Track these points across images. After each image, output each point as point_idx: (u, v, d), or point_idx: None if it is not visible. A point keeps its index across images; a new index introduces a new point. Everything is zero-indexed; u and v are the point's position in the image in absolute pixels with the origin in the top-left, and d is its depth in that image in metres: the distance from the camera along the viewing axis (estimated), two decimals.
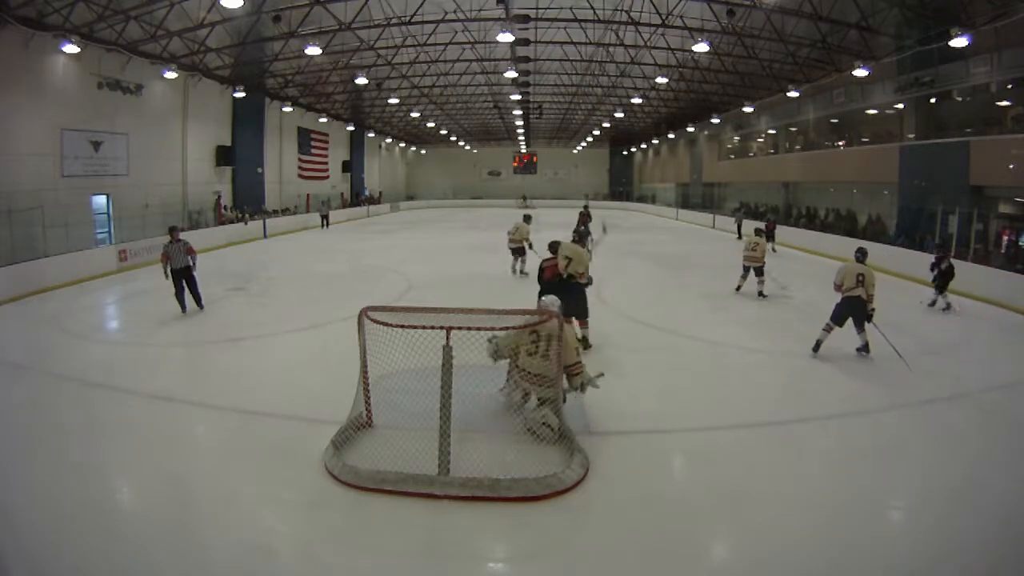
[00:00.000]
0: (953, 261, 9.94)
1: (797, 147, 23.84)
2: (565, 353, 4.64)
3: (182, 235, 9.46)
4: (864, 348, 6.96)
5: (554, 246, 7.23)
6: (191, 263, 9.05)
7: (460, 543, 3.52)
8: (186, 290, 9.09)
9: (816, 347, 7.01)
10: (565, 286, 6.63)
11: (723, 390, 5.94)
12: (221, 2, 12.68)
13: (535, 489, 3.85)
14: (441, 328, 4.13)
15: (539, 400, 4.83)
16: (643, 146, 43.46)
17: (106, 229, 15.87)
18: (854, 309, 6.79)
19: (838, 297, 6.93)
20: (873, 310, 6.77)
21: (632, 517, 3.71)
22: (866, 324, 6.82)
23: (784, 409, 5.44)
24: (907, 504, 4.01)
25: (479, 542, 3.57)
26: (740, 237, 19.46)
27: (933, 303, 9.92)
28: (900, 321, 9.14)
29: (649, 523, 3.65)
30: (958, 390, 6.02)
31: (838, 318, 6.88)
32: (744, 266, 10.64)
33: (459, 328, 4.18)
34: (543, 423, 4.58)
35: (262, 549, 3.39)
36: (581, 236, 8.66)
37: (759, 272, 10.49)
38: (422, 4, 15.69)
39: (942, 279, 9.74)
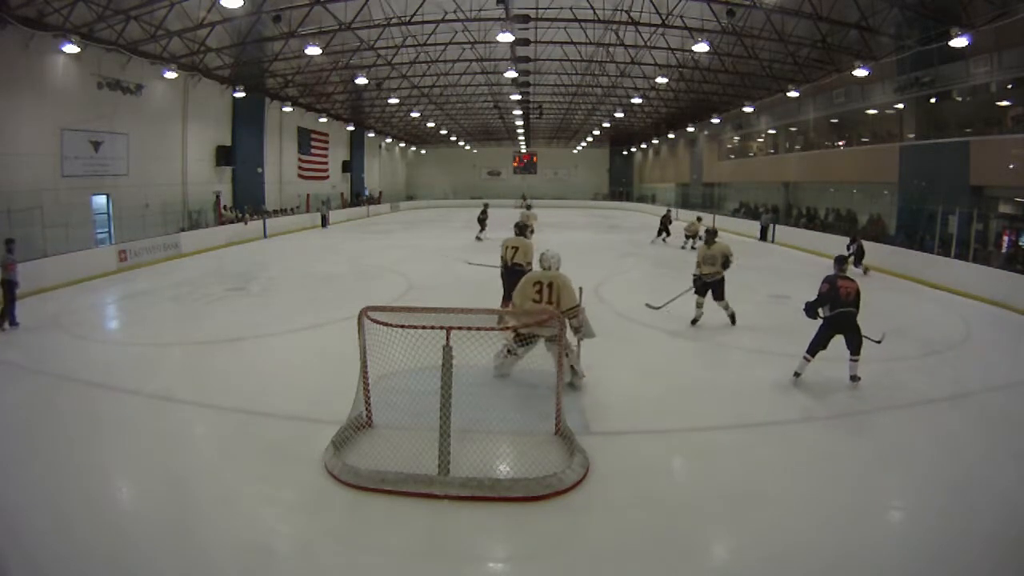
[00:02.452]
0: (864, 243, 14.12)
1: (797, 147, 23.83)
2: (567, 296, 5.43)
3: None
4: (730, 319, 8.34)
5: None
6: (15, 279, 8.68)
7: (460, 543, 3.52)
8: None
9: (693, 322, 8.35)
10: (516, 273, 7.48)
11: (723, 390, 5.94)
12: (221, 2, 12.67)
13: (535, 489, 3.84)
14: (441, 328, 4.13)
15: (546, 339, 5.36)
16: (643, 146, 43.45)
17: (106, 229, 15.86)
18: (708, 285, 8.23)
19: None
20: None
21: (632, 517, 3.71)
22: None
23: (784, 409, 5.43)
24: (907, 504, 4.00)
25: (479, 542, 3.57)
26: (771, 240, 19.84)
27: (865, 271, 13.45)
28: (904, 324, 9.15)
29: (649, 523, 3.65)
30: (958, 390, 6.02)
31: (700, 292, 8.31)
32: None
33: (459, 328, 4.17)
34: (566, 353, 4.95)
35: (262, 549, 3.38)
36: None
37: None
38: (422, 4, 15.69)
39: (857, 256, 13.53)
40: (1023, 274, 10.71)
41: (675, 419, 5.24)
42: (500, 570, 3.45)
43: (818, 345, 5.88)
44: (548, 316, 4.86)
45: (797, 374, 6.00)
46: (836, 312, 5.75)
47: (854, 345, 5.84)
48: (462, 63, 21.62)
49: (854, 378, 5.90)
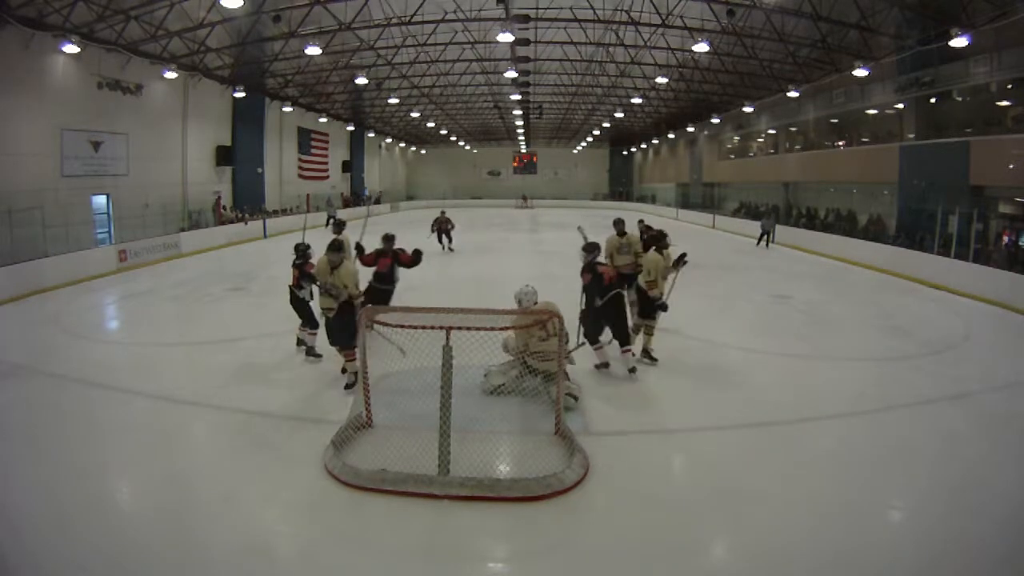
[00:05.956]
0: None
1: (797, 147, 23.83)
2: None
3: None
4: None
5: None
6: None
7: (460, 543, 3.52)
8: None
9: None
10: None
11: (723, 390, 5.93)
12: (221, 2, 12.65)
13: (535, 489, 3.84)
14: (441, 328, 4.13)
15: (544, 374, 5.30)
16: (643, 146, 43.42)
17: (106, 229, 15.85)
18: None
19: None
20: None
21: (632, 517, 3.71)
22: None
23: (784, 409, 5.43)
24: (907, 504, 4.00)
25: (479, 542, 3.57)
26: (768, 245, 19.15)
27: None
28: (904, 324, 9.16)
29: (649, 523, 3.65)
30: (958, 390, 6.02)
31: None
32: None
33: (459, 328, 4.18)
34: (567, 394, 5.03)
35: (262, 549, 3.39)
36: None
37: None
38: (422, 4, 15.69)
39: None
40: (1023, 274, 10.71)
41: (675, 419, 5.25)
42: (500, 570, 3.45)
43: (597, 333, 6.10)
44: (548, 316, 4.84)
45: (606, 365, 6.16)
46: (609, 296, 5.92)
47: (623, 335, 6.04)
48: (462, 63, 21.62)
49: (632, 370, 6.03)
